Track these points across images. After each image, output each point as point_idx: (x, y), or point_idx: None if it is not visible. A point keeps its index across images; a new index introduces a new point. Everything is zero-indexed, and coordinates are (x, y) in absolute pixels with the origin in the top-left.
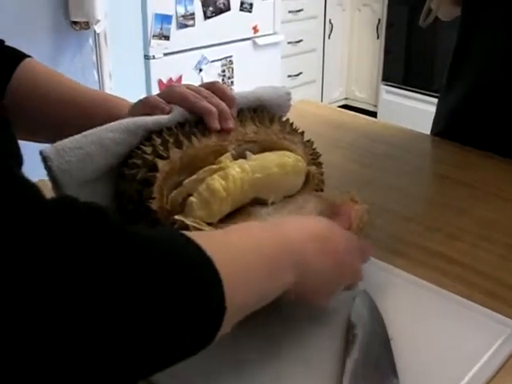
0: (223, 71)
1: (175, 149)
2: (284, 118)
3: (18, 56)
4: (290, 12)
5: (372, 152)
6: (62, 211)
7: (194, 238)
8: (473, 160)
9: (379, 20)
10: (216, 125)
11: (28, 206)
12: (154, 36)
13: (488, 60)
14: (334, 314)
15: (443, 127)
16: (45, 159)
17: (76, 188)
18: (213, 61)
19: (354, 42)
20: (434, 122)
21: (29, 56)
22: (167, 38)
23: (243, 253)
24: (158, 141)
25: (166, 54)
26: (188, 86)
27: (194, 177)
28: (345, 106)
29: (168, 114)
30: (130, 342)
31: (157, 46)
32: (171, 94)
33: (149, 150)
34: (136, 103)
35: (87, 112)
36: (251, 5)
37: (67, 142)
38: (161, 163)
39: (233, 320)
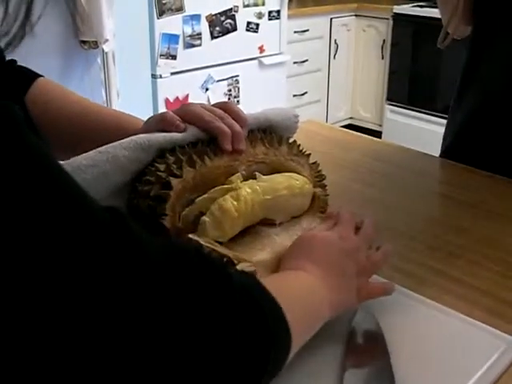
0: (229, 90)
1: (188, 168)
2: (291, 139)
3: (31, 76)
4: (295, 32)
5: (376, 172)
6: (176, 268)
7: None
8: (476, 180)
9: (384, 40)
10: (229, 146)
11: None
12: (161, 55)
13: (497, 78)
14: (335, 328)
15: (450, 143)
16: None
17: None
18: (219, 80)
19: (359, 62)
20: (443, 139)
21: (41, 75)
22: (174, 57)
23: (298, 299)
24: (172, 159)
25: (172, 74)
26: (203, 106)
27: (205, 195)
28: (349, 126)
29: (182, 132)
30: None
31: (164, 66)
32: (187, 112)
33: (162, 167)
34: (151, 118)
35: (100, 131)
36: (257, 25)
37: (82, 159)
38: (174, 181)
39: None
